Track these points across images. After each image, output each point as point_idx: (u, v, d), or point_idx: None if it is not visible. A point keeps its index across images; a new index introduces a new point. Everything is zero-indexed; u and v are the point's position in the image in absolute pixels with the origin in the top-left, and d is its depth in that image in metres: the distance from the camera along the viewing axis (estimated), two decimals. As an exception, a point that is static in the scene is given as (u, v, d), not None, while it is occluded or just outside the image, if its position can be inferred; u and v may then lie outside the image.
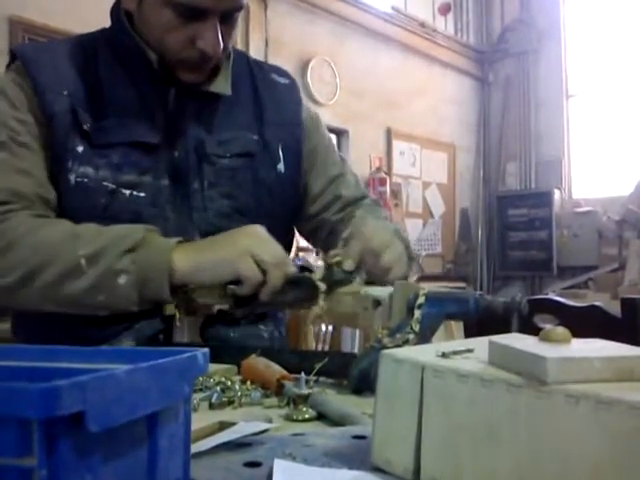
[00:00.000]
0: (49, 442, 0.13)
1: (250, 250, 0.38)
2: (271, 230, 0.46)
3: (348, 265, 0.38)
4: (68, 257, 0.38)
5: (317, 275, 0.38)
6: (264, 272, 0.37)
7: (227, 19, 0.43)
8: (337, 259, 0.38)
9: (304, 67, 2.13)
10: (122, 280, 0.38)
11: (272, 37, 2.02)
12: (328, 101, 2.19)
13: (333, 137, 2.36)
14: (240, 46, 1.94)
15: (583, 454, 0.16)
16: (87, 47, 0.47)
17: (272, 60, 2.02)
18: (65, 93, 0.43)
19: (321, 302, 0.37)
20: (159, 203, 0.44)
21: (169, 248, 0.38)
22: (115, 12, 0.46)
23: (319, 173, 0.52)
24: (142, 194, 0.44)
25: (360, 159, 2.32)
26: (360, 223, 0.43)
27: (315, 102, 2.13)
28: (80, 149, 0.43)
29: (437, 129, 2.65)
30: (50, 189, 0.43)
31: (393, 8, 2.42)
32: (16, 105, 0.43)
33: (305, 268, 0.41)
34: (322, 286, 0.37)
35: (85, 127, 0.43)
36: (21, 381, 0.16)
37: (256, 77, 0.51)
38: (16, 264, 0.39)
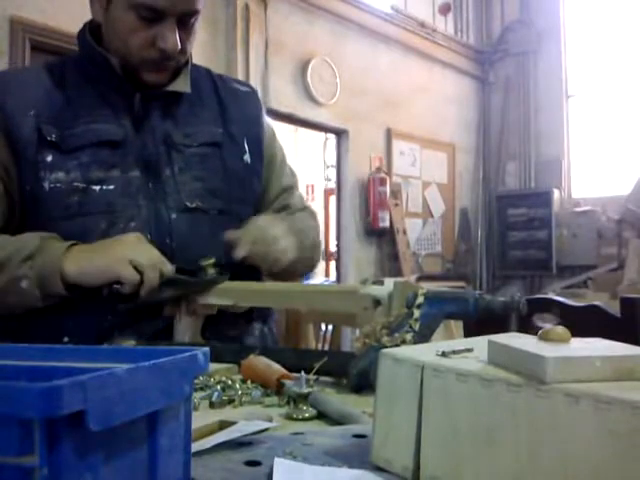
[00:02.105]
0: (50, 441, 0.13)
1: (128, 256, 0.43)
2: (242, 213, 0.50)
3: (237, 254, 0.45)
4: None
5: (191, 277, 0.45)
6: (142, 274, 0.43)
7: (185, 23, 0.47)
8: (209, 262, 0.45)
9: (304, 67, 2.13)
10: (24, 284, 0.43)
11: (272, 37, 2.02)
12: (328, 101, 2.19)
13: (333, 137, 2.36)
14: (240, 46, 1.93)
15: (583, 453, 0.16)
16: (55, 71, 0.50)
17: (273, 60, 2.02)
18: (31, 114, 0.47)
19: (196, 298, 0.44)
20: (130, 193, 0.47)
21: (60, 254, 0.43)
22: (82, 34, 0.51)
23: (276, 182, 0.56)
24: (112, 187, 0.47)
25: (360, 159, 2.33)
26: (254, 219, 0.49)
27: (315, 102, 2.14)
28: (49, 158, 0.47)
29: (437, 129, 2.65)
30: None
31: (393, 8, 2.42)
32: None
33: (181, 269, 0.45)
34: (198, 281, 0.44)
35: (50, 138, 0.47)
36: (22, 380, 0.16)
37: (218, 85, 0.55)
38: None
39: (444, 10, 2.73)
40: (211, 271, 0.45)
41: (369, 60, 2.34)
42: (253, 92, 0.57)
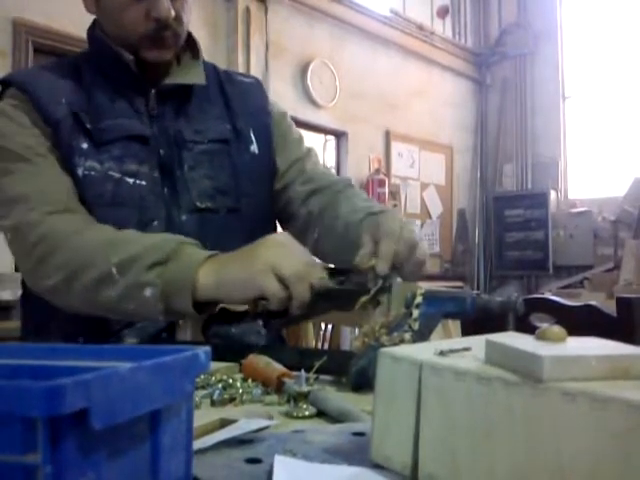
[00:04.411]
0: (53, 439, 0.13)
1: (272, 265, 0.37)
2: (253, 207, 0.50)
3: (381, 269, 0.36)
4: (102, 264, 0.40)
5: (350, 284, 0.36)
6: (288, 287, 0.36)
7: None
8: (371, 263, 0.36)
9: (304, 70, 2.14)
10: (148, 292, 0.38)
11: (272, 40, 2.02)
12: (328, 103, 2.20)
13: (333, 139, 2.37)
14: (241, 49, 1.94)
15: (579, 451, 0.16)
16: (70, 67, 0.50)
17: (273, 63, 2.03)
18: (63, 101, 0.47)
19: (365, 309, 0.35)
20: (156, 192, 0.47)
21: (196, 264, 0.38)
22: (91, 31, 0.51)
23: (286, 153, 0.54)
24: (143, 182, 0.47)
25: (359, 160, 2.33)
26: (380, 216, 0.41)
27: (315, 104, 2.15)
28: (85, 146, 0.46)
29: (435, 131, 2.66)
30: (74, 187, 0.45)
31: (391, 11, 2.43)
32: (22, 123, 0.46)
33: (339, 271, 0.38)
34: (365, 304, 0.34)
35: (87, 126, 0.47)
36: (25, 379, 0.16)
37: (223, 79, 0.54)
38: (58, 267, 0.41)
39: (442, 13, 2.74)
40: (372, 276, 0.35)
41: (368, 63, 2.35)
42: (257, 82, 0.56)
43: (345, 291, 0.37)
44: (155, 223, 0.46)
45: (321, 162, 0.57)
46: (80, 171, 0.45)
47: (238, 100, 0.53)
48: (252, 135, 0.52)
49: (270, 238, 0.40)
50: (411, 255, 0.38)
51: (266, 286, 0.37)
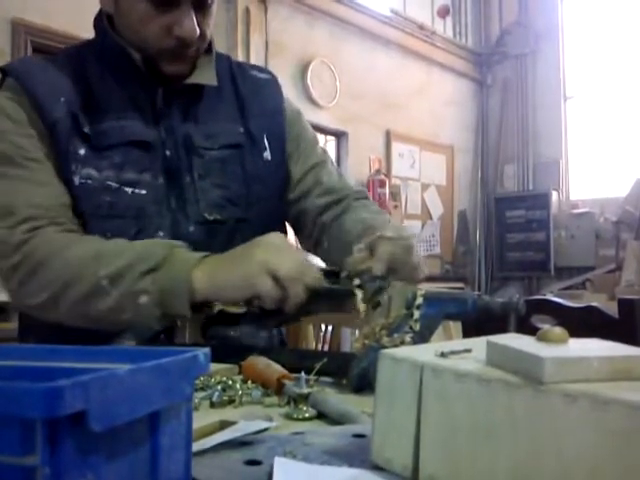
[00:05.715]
0: (52, 441, 0.13)
1: (266, 266, 0.36)
2: (262, 215, 0.48)
3: (378, 270, 0.36)
4: (90, 278, 0.39)
5: (352, 284, 0.36)
6: (283, 287, 0.36)
7: (201, 6, 0.44)
8: (366, 265, 0.36)
9: (304, 69, 2.14)
10: (143, 300, 0.38)
11: (272, 39, 2.03)
12: (328, 103, 2.20)
13: (332, 139, 2.37)
14: (240, 48, 1.94)
15: (580, 453, 0.16)
16: (74, 59, 0.48)
17: (272, 62, 2.02)
18: (62, 100, 0.44)
19: (362, 310, 0.34)
20: (158, 200, 0.45)
21: (189, 267, 0.38)
22: (97, 22, 0.48)
23: (300, 159, 0.52)
24: (143, 191, 0.45)
25: (359, 161, 2.34)
26: (375, 223, 0.43)
27: (315, 104, 2.15)
28: (82, 152, 0.44)
29: (436, 131, 2.67)
30: (67, 195, 0.44)
31: (392, 11, 2.43)
32: (18, 121, 0.44)
33: (332, 272, 0.38)
34: (361, 304, 0.34)
35: (85, 130, 0.44)
36: (24, 381, 0.16)
37: (236, 74, 0.52)
38: (44, 285, 0.40)
39: (443, 13, 2.75)
40: (368, 277, 0.34)
41: (368, 62, 2.35)
42: (273, 79, 0.53)
43: (341, 291, 0.36)
44: (161, 234, 0.44)
45: (334, 163, 0.55)
46: (76, 179, 0.43)
47: (252, 99, 0.50)
48: (265, 140, 0.50)
49: (264, 238, 0.39)
50: (407, 258, 0.39)
51: (261, 286, 0.36)
